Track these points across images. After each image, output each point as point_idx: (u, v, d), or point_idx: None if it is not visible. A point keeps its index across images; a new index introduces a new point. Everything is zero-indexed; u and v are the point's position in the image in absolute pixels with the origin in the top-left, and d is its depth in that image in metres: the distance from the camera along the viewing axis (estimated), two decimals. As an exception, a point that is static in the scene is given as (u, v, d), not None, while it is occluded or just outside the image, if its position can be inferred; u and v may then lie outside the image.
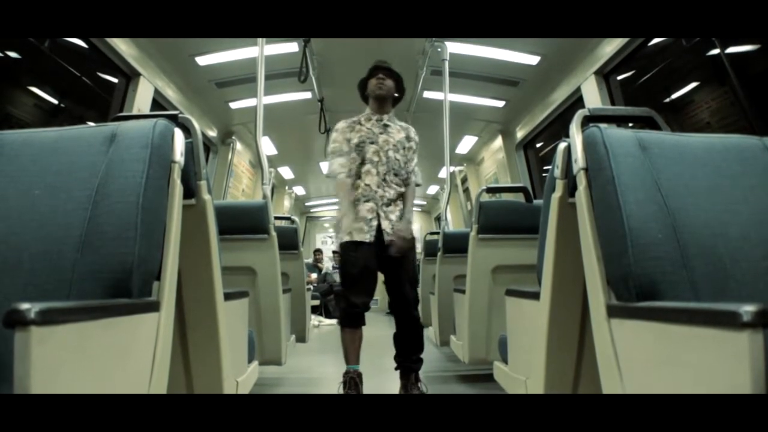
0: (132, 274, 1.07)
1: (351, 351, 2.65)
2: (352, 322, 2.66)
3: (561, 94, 4.43)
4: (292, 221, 3.99)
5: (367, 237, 2.61)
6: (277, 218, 3.22)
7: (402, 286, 2.68)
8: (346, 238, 2.66)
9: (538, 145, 5.72)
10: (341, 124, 2.82)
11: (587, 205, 1.25)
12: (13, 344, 0.68)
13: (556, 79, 4.42)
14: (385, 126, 2.76)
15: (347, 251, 2.67)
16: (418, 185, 2.88)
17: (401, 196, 2.73)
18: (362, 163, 2.68)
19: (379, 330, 5.12)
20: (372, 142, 2.70)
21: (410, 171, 2.79)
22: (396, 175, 2.70)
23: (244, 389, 1.93)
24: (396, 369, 2.77)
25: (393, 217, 2.67)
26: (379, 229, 2.63)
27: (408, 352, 2.73)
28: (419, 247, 7.27)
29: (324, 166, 8.27)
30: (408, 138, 2.79)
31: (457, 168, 7.70)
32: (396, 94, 2.88)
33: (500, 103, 5.33)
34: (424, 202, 11.96)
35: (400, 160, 2.72)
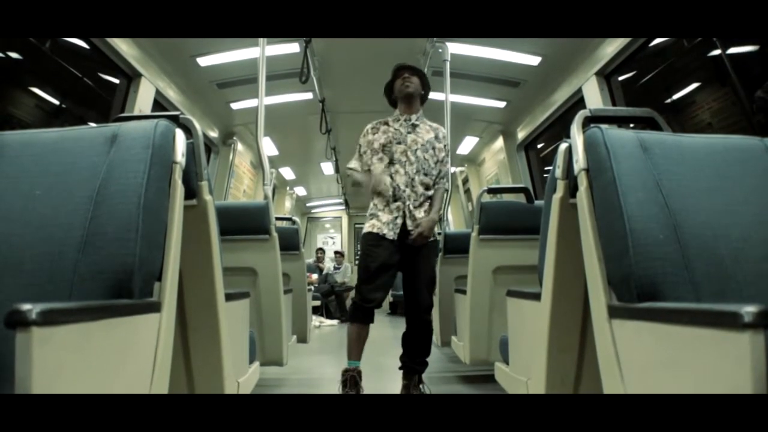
0: (133, 274, 1.07)
1: (355, 347, 2.63)
2: (362, 317, 2.63)
3: (562, 95, 4.43)
4: (293, 222, 3.99)
5: (391, 234, 2.61)
6: (278, 219, 3.22)
7: (418, 288, 2.66)
8: (368, 228, 2.66)
9: (539, 146, 5.72)
10: (368, 126, 2.85)
11: (588, 205, 1.25)
12: (14, 345, 0.68)
13: (557, 80, 4.41)
14: (414, 126, 2.75)
15: (368, 244, 2.66)
16: (446, 191, 2.88)
17: (429, 199, 2.71)
18: (391, 162, 2.68)
19: (380, 330, 5.12)
20: (399, 142, 2.69)
21: (441, 175, 2.78)
22: (426, 174, 2.69)
23: (245, 390, 1.93)
24: (400, 369, 2.76)
25: (418, 216, 2.65)
26: (404, 228, 2.63)
27: (414, 355, 2.72)
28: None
29: (325, 167, 8.31)
30: (437, 138, 2.78)
31: (459, 169, 7.70)
32: (422, 92, 2.85)
33: (501, 104, 5.33)
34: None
35: (429, 160, 2.70)
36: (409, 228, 2.62)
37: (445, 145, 2.82)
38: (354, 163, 2.82)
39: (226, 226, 1.98)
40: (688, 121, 3.43)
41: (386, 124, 2.78)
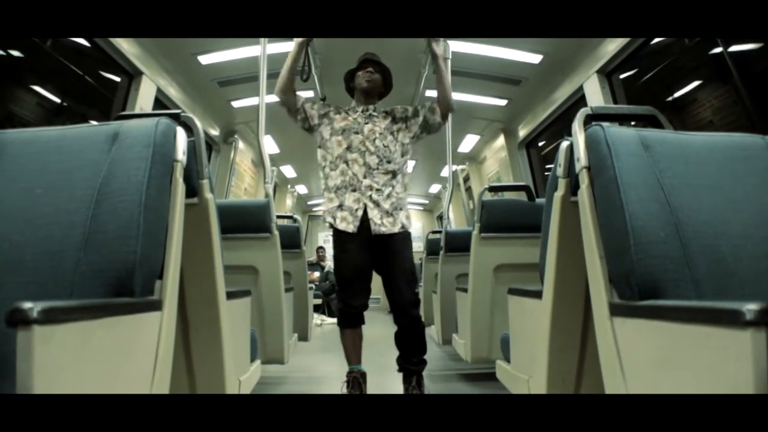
0: (134, 273, 1.07)
1: (352, 352, 2.62)
2: (350, 323, 2.62)
3: (563, 93, 4.42)
4: (294, 220, 3.99)
5: (351, 227, 2.55)
6: (279, 217, 3.23)
7: (397, 285, 2.57)
8: (329, 220, 2.62)
9: (540, 144, 5.71)
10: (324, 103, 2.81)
11: (590, 203, 1.25)
12: (15, 343, 0.68)
13: (558, 78, 4.41)
14: (370, 116, 2.70)
15: (337, 248, 2.62)
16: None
17: (393, 180, 2.62)
18: (348, 149, 2.62)
19: (379, 329, 5.12)
20: (357, 132, 2.63)
21: (427, 109, 2.71)
22: (389, 162, 2.61)
23: (247, 388, 1.94)
24: (398, 371, 2.70)
25: (386, 205, 2.58)
26: (369, 225, 2.56)
27: (409, 354, 2.65)
28: (420, 245, 7.28)
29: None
30: (394, 119, 2.71)
31: (460, 167, 7.69)
32: (382, 90, 2.82)
33: (502, 102, 5.32)
34: (426, 201, 11.95)
35: (389, 146, 2.63)
36: (372, 218, 2.55)
37: (405, 108, 2.76)
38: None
39: (228, 224, 1.98)
40: (689, 118, 3.42)
41: (345, 112, 2.74)
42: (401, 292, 2.57)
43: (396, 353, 2.72)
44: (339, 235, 2.61)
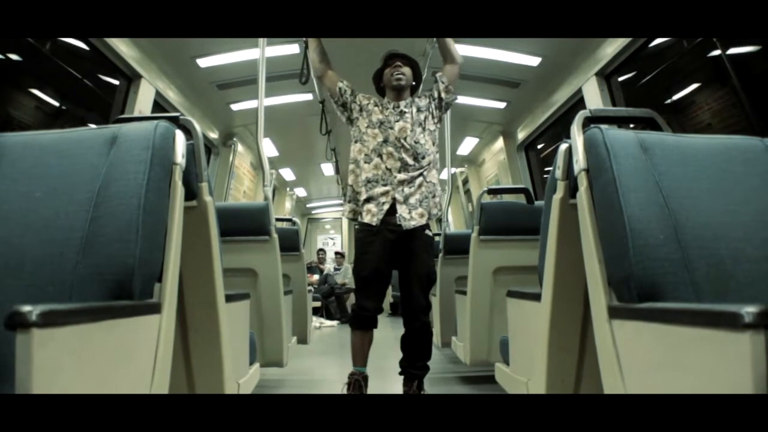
0: (133, 275, 1.07)
1: (359, 353, 2.60)
2: (361, 325, 2.60)
3: (562, 96, 4.43)
4: (294, 223, 3.99)
5: (375, 220, 2.53)
6: (278, 220, 3.22)
7: (412, 288, 2.57)
8: (349, 216, 2.62)
9: (539, 147, 5.71)
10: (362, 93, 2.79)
11: (588, 206, 1.25)
12: (14, 346, 0.68)
13: (557, 81, 4.41)
14: (402, 112, 2.66)
15: (359, 249, 2.60)
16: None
17: (425, 172, 2.61)
18: (385, 142, 2.59)
19: (381, 331, 5.09)
20: (391, 128, 2.61)
21: (442, 89, 2.72)
22: (423, 158, 2.60)
23: (246, 391, 1.94)
24: (400, 374, 2.69)
25: (413, 200, 2.56)
26: (393, 222, 2.54)
27: (413, 359, 2.65)
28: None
29: (325, 168, 8.31)
30: (419, 109, 2.69)
31: (459, 169, 7.70)
32: (413, 83, 2.79)
33: (501, 105, 5.32)
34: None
35: (419, 141, 2.60)
36: (401, 213, 2.53)
37: (424, 95, 2.75)
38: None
39: (227, 227, 1.98)
40: (688, 121, 3.43)
41: (381, 105, 2.72)
42: (415, 296, 2.58)
43: (398, 355, 2.71)
44: (362, 233, 2.59)
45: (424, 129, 2.65)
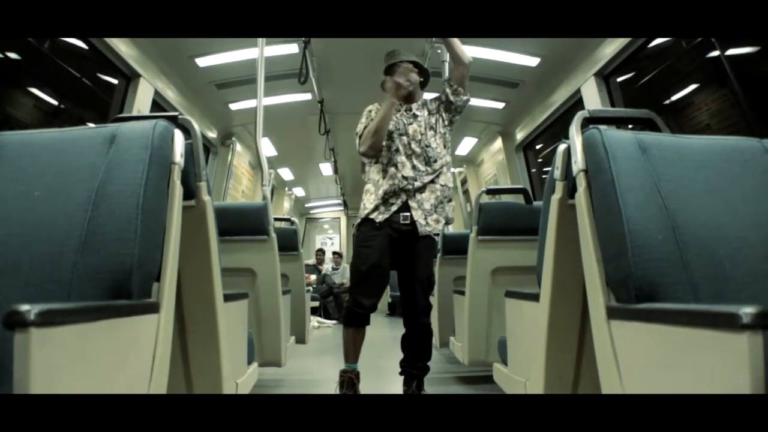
0: (132, 275, 1.07)
1: (351, 350, 2.59)
2: (354, 322, 2.57)
3: (561, 96, 4.43)
4: (292, 222, 3.99)
5: (380, 217, 2.52)
6: (276, 219, 3.22)
7: (413, 290, 2.57)
8: (364, 213, 2.57)
9: (537, 147, 5.72)
10: (370, 107, 2.71)
11: (587, 206, 1.25)
12: (12, 346, 0.68)
13: (555, 81, 4.42)
14: (414, 116, 2.64)
15: (360, 244, 2.57)
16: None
17: (439, 175, 2.58)
18: (397, 151, 2.57)
19: (378, 331, 5.11)
20: (402, 134, 2.59)
21: (458, 96, 2.64)
22: (435, 161, 2.58)
23: (244, 391, 1.93)
24: (400, 374, 2.69)
25: (427, 205, 2.55)
26: (398, 222, 2.53)
27: (413, 359, 2.65)
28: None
29: (324, 168, 8.31)
30: (429, 111, 2.66)
31: (457, 169, 7.69)
32: (421, 79, 2.72)
33: (500, 105, 5.33)
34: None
35: (431, 145, 2.58)
36: (417, 219, 2.51)
37: (435, 98, 2.70)
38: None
39: (225, 226, 1.98)
40: (686, 122, 3.43)
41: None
42: (416, 298, 2.57)
43: (396, 355, 2.72)
44: (364, 229, 2.57)
45: (435, 132, 2.63)
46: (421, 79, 2.74)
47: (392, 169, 2.56)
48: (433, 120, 2.65)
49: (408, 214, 2.53)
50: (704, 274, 1.11)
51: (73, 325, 0.80)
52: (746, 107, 2.83)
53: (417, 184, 2.53)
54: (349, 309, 2.58)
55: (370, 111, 2.68)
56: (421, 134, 2.59)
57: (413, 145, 2.57)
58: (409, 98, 2.67)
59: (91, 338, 0.86)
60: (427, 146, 2.58)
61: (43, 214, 1.15)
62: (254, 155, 6.49)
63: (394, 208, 2.53)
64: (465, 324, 2.97)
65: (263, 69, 3.21)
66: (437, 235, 2.66)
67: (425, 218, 2.54)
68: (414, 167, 2.55)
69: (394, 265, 2.62)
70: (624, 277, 1.10)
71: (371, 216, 2.55)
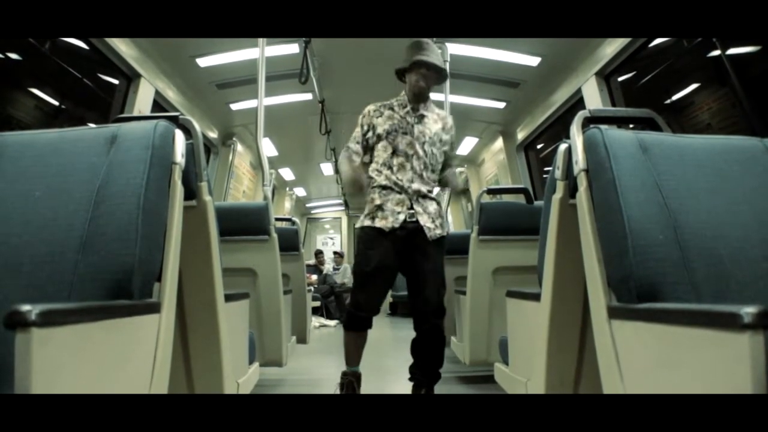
0: (133, 275, 1.07)
1: (353, 353, 2.52)
2: (356, 326, 2.48)
3: (561, 96, 4.43)
4: (293, 222, 3.99)
5: (388, 225, 2.40)
6: (277, 219, 3.22)
7: (426, 290, 2.41)
8: (367, 222, 2.45)
9: (538, 147, 5.71)
10: (370, 107, 2.60)
11: (588, 206, 1.25)
12: (13, 346, 0.68)
13: (556, 81, 4.41)
14: (422, 116, 2.53)
15: (363, 245, 2.47)
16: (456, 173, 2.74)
17: (430, 191, 2.50)
18: (394, 153, 2.46)
19: (380, 331, 5.11)
20: (405, 133, 2.47)
21: (450, 162, 2.63)
22: (433, 171, 2.51)
23: (245, 390, 1.93)
24: (409, 380, 2.58)
25: (432, 209, 2.47)
26: (407, 224, 2.43)
27: (425, 365, 2.53)
28: None
29: (325, 168, 8.30)
30: (444, 129, 2.56)
31: (458, 169, 7.67)
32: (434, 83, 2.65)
33: (501, 105, 5.32)
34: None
35: (436, 155, 2.51)
36: (424, 224, 2.42)
37: (451, 136, 2.61)
38: (353, 146, 2.56)
39: (226, 226, 1.98)
40: (687, 121, 3.43)
41: (391, 108, 2.55)
42: (429, 298, 2.42)
43: (398, 354, 2.66)
44: (369, 232, 2.45)
45: (439, 149, 2.55)
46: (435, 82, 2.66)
47: (387, 171, 2.47)
48: (441, 138, 2.57)
49: (412, 211, 2.44)
50: (705, 273, 1.11)
51: (74, 325, 0.80)
52: (747, 107, 2.83)
53: (415, 186, 2.44)
54: (350, 313, 2.49)
55: (369, 112, 2.60)
56: (428, 138, 2.50)
57: (416, 146, 2.47)
58: (419, 98, 2.56)
59: (92, 338, 0.86)
60: (431, 153, 2.50)
61: (43, 214, 1.15)
62: (255, 155, 6.48)
63: (401, 217, 2.42)
64: (466, 324, 2.97)
65: (264, 69, 3.20)
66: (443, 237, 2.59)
67: (432, 222, 2.46)
68: (413, 168, 2.46)
69: (401, 266, 2.49)
70: (625, 277, 1.10)
71: (378, 225, 2.44)
